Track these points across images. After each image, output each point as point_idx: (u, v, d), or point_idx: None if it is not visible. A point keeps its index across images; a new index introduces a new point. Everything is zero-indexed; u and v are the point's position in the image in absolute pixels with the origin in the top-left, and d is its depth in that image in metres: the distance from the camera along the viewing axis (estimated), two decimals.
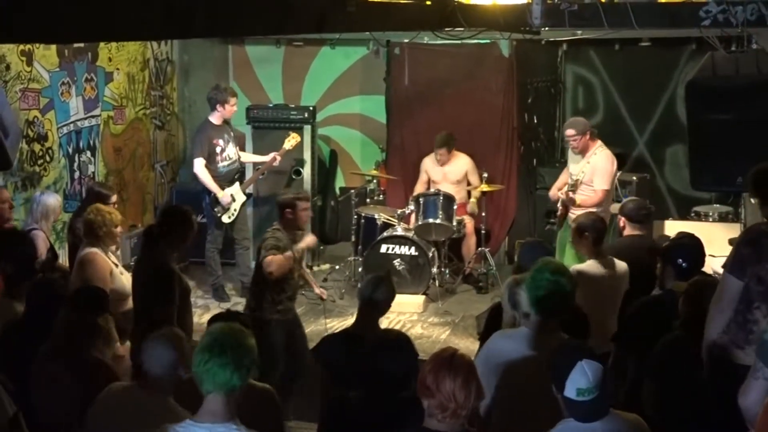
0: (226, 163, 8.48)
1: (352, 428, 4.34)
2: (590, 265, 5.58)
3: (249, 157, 8.97)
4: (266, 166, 8.74)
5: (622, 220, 6.28)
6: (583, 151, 7.65)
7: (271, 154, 8.67)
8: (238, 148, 8.72)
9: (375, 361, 4.32)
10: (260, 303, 6.16)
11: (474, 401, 3.19)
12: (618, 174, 8.16)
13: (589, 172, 7.53)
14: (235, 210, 8.49)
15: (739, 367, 4.00)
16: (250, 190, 8.72)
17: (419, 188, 9.17)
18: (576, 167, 7.67)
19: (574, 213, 7.25)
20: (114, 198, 6.90)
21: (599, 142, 7.72)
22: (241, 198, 8.54)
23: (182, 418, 3.30)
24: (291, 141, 8.84)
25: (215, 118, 8.44)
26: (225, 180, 8.45)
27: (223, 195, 8.37)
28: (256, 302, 6.19)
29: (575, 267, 5.58)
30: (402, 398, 3.78)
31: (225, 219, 8.46)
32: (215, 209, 8.42)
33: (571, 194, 7.47)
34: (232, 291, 8.80)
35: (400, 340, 4.65)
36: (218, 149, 8.39)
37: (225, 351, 3.03)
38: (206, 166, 8.31)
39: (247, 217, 8.77)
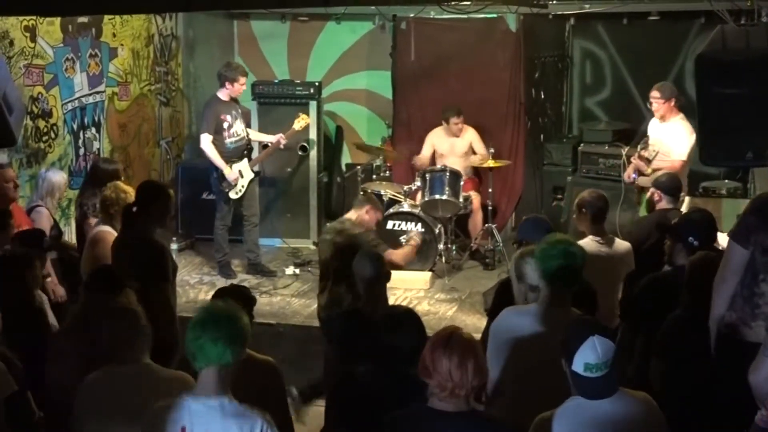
0: (234, 139, 8.41)
1: (360, 403, 4.34)
2: (586, 243, 5.53)
3: (255, 136, 8.89)
4: (272, 148, 8.68)
5: (657, 194, 6.26)
6: (663, 116, 7.61)
7: (277, 136, 8.62)
8: (245, 124, 8.68)
9: (382, 336, 4.31)
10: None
11: (473, 380, 3.17)
12: (627, 149, 8.14)
13: (668, 144, 7.50)
14: (242, 186, 8.43)
15: (747, 345, 3.97)
16: (258, 168, 8.64)
17: (423, 162, 9.09)
18: (655, 137, 7.65)
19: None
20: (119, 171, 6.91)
21: (681, 114, 7.64)
22: (249, 175, 8.47)
23: (164, 376, 3.69)
24: (301, 122, 8.80)
25: (223, 95, 8.37)
26: (233, 156, 8.38)
27: (230, 171, 8.31)
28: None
29: None
30: (409, 374, 3.76)
31: (232, 195, 8.41)
32: (222, 185, 8.36)
33: (645, 153, 7.48)
34: (238, 267, 8.78)
35: (407, 316, 4.64)
36: (226, 125, 8.32)
37: (217, 326, 3.09)
38: (213, 142, 8.26)
39: (255, 193, 8.69)
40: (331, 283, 6.09)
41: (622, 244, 5.58)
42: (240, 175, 8.38)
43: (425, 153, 9.25)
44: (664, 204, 6.20)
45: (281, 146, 8.70)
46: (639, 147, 7.75)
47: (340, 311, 5.28)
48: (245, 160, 8.47)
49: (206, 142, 8.25)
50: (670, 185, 6.23)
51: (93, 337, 4.14)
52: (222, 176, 8.33)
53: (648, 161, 7.52)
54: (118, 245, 5.55)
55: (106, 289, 4.43)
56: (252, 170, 8.51)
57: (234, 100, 8.48)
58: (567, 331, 3.38)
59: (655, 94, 7.64)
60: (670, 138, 7.50)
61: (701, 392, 4.23)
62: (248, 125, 9.02)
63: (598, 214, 5.66)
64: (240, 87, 8.40)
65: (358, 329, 4.53)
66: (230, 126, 8.35)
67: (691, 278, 4.44)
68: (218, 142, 8.28)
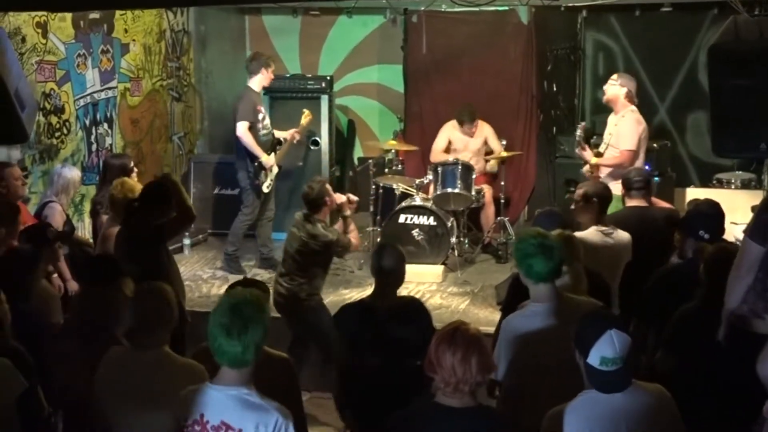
0: (265, 131, 8.30)
1: (368, 395, 4.35)
2: (591, 233, 5.52)
3: None
4: (288, 143, 8.63)
5: (622, 190, 6.23)
6: (610, 101, 7.57)
7: (291, 131, 8.60)
8: None
9: (388, 329, 4.31)
10: (318, 286, 6.34)
11: (477, 375, 3.16)
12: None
13: (616, 134, 7.43)
14: (271, 181, 8.33)
15: (757, 336, 3.96)
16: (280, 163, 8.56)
17: (439, 156, 8.99)
18: (610, 130, 7.58)
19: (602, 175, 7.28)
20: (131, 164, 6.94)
21: (632, 107, 7.55)
22: (275, 169, 8.38)
23: (180, 364, 3.76)
24: (306, 118, 8.79)
25: (256, 85, 8.28)
26: (263, 149, 8.23)
27: (268, 158, 8.16)
28: (314, 286, 6.29)
29: (575, 234, 5.51)
30: (417, 366, 3.77)
31: (265, 188, 8.26)
32: (259, 177, 8.19)
33: (585, 151, 7.41)
34: (251, 262, 8.75)
35: (412, 308, 4.64)
36: (260, 116, 8.22)
37: (238, 330, 3.09)
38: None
39: (273, 189, 8.55)
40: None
41: (623, 235, 5.56)
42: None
43: (440, 145, 9.14)
44: (629, 201, 6.11)
45: (295, 141, 8.67)
46: (577, 134, 7.66)
47: (350, 303, 5.28)
48: (272, 154, 8.35)
49: (243, 129, 8.06)
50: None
51: (94, 335, 4.15)
52: (259, 168, 8.16)
53: (583, 148, 7.45)
54: (117, 238, 5.66)
55: (100, 280, 4.43)
56: (277, 165, 8.45)
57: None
58: (582, 324, 3.36)
59: (613, 76, 7.67)
60: (620, 128, 7.43)
61: (709, 385, 4.21)
62: None
63: (605, 205, 5.65)
64: (271, 73, 8.36)
65: (366, 321, 4.53)
66: (264, 117, 8.28)
67: (709, 271, 4.41)
68: (252, 133, 8.13)
